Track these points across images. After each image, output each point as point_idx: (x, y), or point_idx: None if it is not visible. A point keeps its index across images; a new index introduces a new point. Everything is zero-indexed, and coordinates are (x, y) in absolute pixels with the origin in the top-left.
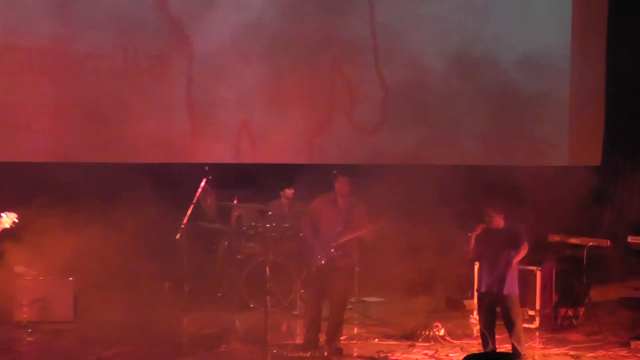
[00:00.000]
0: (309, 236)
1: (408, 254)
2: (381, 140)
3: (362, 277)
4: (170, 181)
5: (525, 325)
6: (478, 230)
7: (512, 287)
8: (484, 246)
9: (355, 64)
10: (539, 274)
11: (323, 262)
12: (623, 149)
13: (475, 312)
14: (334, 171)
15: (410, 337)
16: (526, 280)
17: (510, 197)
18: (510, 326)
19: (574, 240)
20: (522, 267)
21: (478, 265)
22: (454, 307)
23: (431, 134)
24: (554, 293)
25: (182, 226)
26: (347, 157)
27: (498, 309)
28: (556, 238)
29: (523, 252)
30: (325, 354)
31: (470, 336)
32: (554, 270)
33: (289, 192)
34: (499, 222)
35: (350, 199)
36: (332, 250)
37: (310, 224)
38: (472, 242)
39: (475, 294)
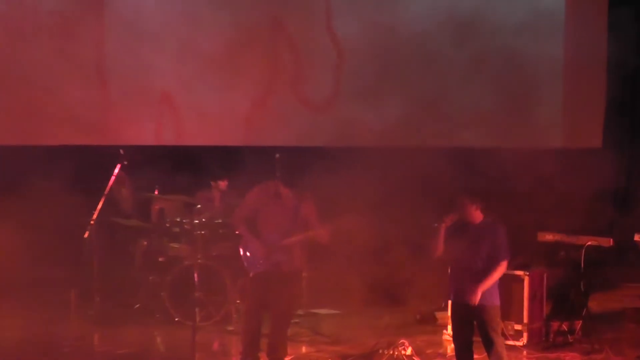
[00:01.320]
0: (244, 235)
1: (369, 256)
2: (335, 117)
3: (312, 284)
4: (77, 167)
5: (510, 343)
6: (448, 222)
7: (490, 296)
8: (455, 243)
9: (301, 23)
10: (526, 280)
11: (263, 266)
12: (628, 129)
13: (449, 327)
14: (277, 155)
15: (370, 357)
16: (510, 287)
17: (492, 185)
18: (488, 344)
19: (569, 239)
20: (507, 271)
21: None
22: (424, 320)
23: (398, 110)
24: (545, 303)
25: (92, 222)
26: (292, 137)
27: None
28: (548, 236)
29: (501, 269)
30: None
31: (443, 356)
32: (545, 276)
33: (222, 182)
34: (474, 214)
35: (295, 190)
36: (273, 252)
37: (246, 219)
38: (440, 236)
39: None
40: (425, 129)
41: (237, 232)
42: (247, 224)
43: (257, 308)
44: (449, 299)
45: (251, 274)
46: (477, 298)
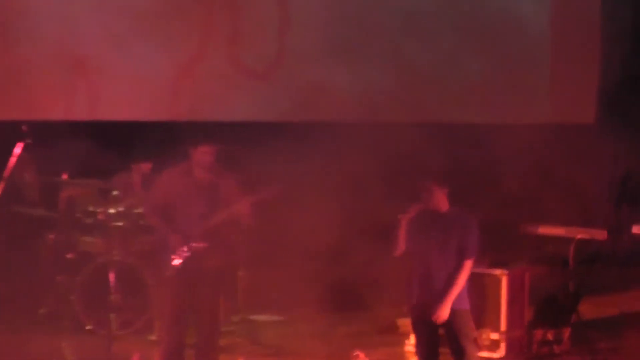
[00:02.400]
0: (157, 225)
1: (322, 253)
2: (277, 87)
3: (250, 285)
4: None
5: (485, 355)
6: (412, 213)
7: (459, 298)
8: (419, 236)
9: None
10: (505, 279)
11: (180, 261)
12: (624, 103)
13: (412, 336)
14: (196, 138)
15: None
16: (486, 288)
17: (465, 167)
18: (458, 355)
19: (556, 231)
20: (477, 269)
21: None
22: (383, 327)
23: (361, 79)
24: (527, 307)
25: None
26: (226, 111)
27: (442, 331)
28: (531, 228)
29: (466, 271)
30: None
31: None
32: (527, 275)
33: (144, 164)
34: (441, 201)
35: (214, 169)
36: (194, 243)
37: (158, 207)
38: (402, 229)
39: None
40: (394, 100)
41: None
42: (160, 212)
43: (178, 313)
44: (410, 304)
45: (168, 272)
46: (445, 314)
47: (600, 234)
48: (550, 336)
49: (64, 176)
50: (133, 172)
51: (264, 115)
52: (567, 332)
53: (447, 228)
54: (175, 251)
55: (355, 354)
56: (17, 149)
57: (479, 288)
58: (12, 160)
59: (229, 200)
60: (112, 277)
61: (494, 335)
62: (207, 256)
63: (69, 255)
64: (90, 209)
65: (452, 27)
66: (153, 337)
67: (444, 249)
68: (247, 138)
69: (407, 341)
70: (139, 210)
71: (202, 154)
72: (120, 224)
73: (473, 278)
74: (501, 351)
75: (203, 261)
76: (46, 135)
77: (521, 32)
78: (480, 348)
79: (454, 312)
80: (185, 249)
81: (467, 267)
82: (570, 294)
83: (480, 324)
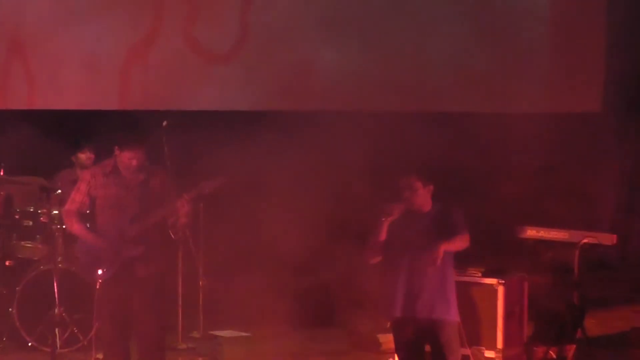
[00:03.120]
0: (79, 233)
1: (291, 261)
2: (239, 72)
3: (213, 296)
4: None
5: None
6: (395, 214)
7: (448, 309)
8: (401, 241)
9: None
10: (501, 290)
11: (111, 270)
12: (633, 92)
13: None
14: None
15: None
16: (480, 300)
17: (457, 163)
18: None
19: (558, 235)
20: (469, 278)
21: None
22: (363, 344)
23: (329, 61)
24: (526, 322)
25: None
26: (184, 99)
27: (427, 347)
28: (530, 232)
29: (460, 243)
30: None
31: None
32: (526, 285)
33: (86, 156)
34: (425, 200)
35: (144, 169)
36: (125, 251)
37: (77, 212)
38: (382, 233)
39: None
40: (381, 87)
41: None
42: (82, 218)
43: (115, 328)
44: (393, 318)
45: (98, 283)
46: (438, 257)
47: (609, 239)
48: (552, 354)
49: (0, 172)
50: (77, 169)
51: (227, 104)
52: (571, 350)
53: (431, 228)
54: (102, 261)
55: None
56: None
57: (472, 300)
58: None
59: (163, 199)
60: (55, 287)
61: (489, 353)
62: (137, 264)
63: (6, 263)
64: (31, 210)
65: (450, 9)
66: (100, 356)
67: (433, 249)
68: (212, 126)
69: (390, 359)
70: (88, 210)
71: (129, 159)
72: (64, 226)
73: (464, 288)
74: None
75: (133, 269)
76: None
77: (524, 19)
78: None
79: (443, 323)
80: (112, 257)
81: (465, 239)
82: (574, 306)
83: (473, 340)
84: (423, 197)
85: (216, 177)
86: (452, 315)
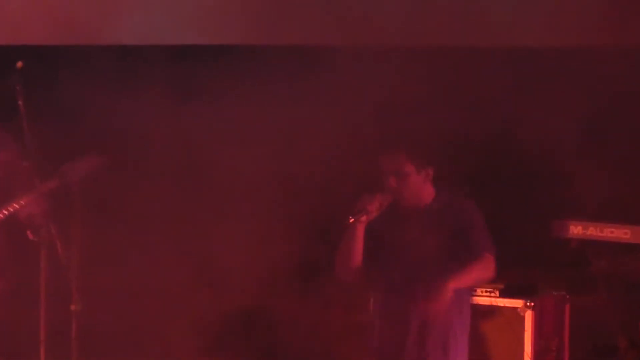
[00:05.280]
0: None
1: (215, 278)
2: None
3: (89, 325)
4: None
5: None
6: (372, 212)
7: (454, 344)
8: (387, 251)
9: None
10: (530, 316)
11: None
12: None
13: None
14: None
15: None
16: (498, 332)
17: (468, 132)
18: None
19: (617, 234)
20: (481, 299)
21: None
22: None
23: None
24: (567, 358)
25: None
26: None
27: None
28: (575, 229)
29: (478, 273)
30: None
31: None
32: (567, 309)
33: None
34: (420, 190)
35: None
36: None
37: None
38: (357, 239)
39: None
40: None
41: None
42: None
43: None
44: None
45: None
46: (443, 302)
47: None
48: None
49: None
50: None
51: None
52: None
53: (434, 232)
54: None
55: None
56: None
57: (485, 332)
58: None
59: (9, 187)
60: None
61: None
62: None
63: None
64: None
65: None
66: None
67: (427, 269)
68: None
69: None
70: None
71: None
72: None
73: (473, 315)
74: None
75: None
76: None
77: None
78: None
79: None
80: None
81: (487, 262)
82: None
83: None
84: (417, 186)
85: (90, 157)
86: (459, 352)
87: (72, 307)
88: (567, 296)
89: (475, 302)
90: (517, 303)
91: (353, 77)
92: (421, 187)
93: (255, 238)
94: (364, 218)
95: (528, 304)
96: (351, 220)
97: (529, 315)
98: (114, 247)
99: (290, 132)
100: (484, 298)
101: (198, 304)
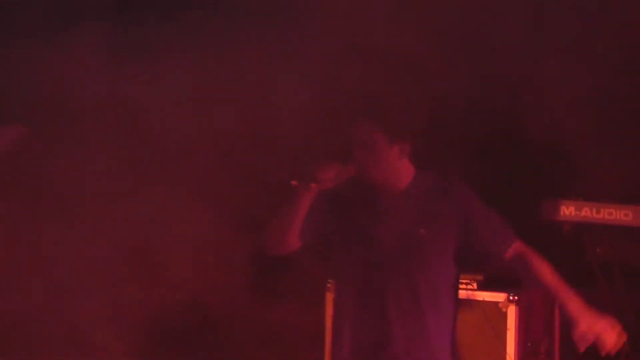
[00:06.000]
0: None
1: (138, 272)
2: None
3: None
4: None
5: None
6: (326, 181)
7: (438, 348)
8: (353, 243)
9: None
10: (513, 312)
11: None
12: None
13: None
14: None
15: None
16: (477, 330)
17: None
18: None
19: (617, 217)
20: (459, 293)
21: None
22: None
23: None
24: None
25: None
26: None
27: None
28: (568, 210)
29: (533, 254)
30: None
31: None
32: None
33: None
34: (395, 168)
35: None
36: None
37: None
38: (299, 207)
39: None
40: None
41: None
42: None
43: None
44: None
45: None
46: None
47: None
48: None
49: None
50: None
51: None
52: None
53: (416, 218)
54: None
55: None
56: None
57: (466, 327)
58: None
59: None
60: None
61: None
62: None
63: None
64: None
65: None
66: None
67: (414, 261)
68: None
69: None
70: None
71: None
72: None
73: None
74: None
75: None
76: None
77: None
78: None
79: None
80: None
81: (530, 252)
82: None
83: None
84: (389, 162)
85: (8, 126)
86: (442, 355)
87: None
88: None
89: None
90: (499, 297)
91: (323, 25)
92: (395, 164)
93: (198, 224)
94: (312, 186)
95: (511, 298)
96: (293, 183)
97: (512, 312)
98: (32, 231)
99: (246, 93)
100: (460, 291)
101: (130, 299)
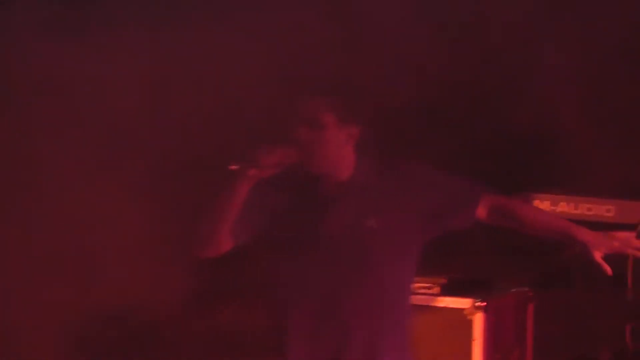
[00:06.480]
0: None
1: (79, 274)
2: None
3: None
4: None
5: None
6: (267, 166)
7: (398, 348)
8: (293, 245)
9: None
10: (480, 320)
11: None
12: None
13: None
14: None
15: None
16: (440, 340)
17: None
18: None
19: (596, 212)
20: (418, 298)
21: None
22: None
23: None
24: None
25: None
26: None
27: None
28: (540, 205)
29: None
30: None
31: None
32: (531, 309)
33: None
34: (338, 154)
35: None
36: None
37: None
38: (235, 196)
39: None
40: None
41: None
42: None
43: None
44: None
45: None
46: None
47: None
48: None
49: None
50: None
51: None
52: None
53: (364, 212)
54: None
55: None
56: None
57: (427, 336)
58: None
59: None
60: None
61: None
62: None
63: None
64: None
65: None
66: None
67: (368, 256)
68: None
69: None
70: None
71: None
72: None
73: (416, 318)
74: None
75: None
76: None
77: None
78: None
79: None
80: None
81: (507, 201)
82: (626, 349)
83: None
84: (337, 148)
85: None
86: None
87: None
88: (531, 294)
89: (421, 304)
90: (464, 303)
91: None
92: (341, 150)
93: (138, 221)
94: (252, 172)
95: (478, 304)
96: (232, 168)
97: (479, 319)
98: None
99: (185, 69)
100: (421, 296)
101: (62, 303)
